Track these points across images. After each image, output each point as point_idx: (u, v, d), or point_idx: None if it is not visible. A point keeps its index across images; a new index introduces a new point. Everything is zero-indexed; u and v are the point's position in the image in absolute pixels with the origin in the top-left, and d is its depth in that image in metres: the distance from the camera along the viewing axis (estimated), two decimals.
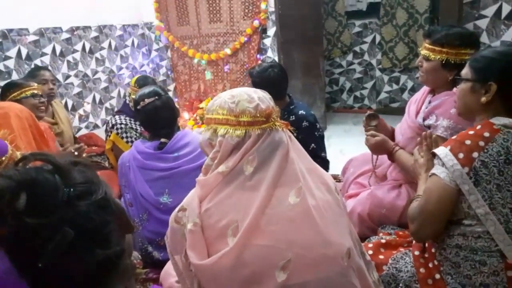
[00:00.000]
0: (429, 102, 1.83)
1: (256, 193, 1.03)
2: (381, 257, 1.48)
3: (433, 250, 1.35)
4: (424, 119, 1.79)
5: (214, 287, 1.04)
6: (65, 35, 3.59)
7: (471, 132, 1.24)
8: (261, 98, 1.10)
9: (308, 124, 2.28)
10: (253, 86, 2.28)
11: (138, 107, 1.98)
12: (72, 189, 0.61)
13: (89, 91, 3.89)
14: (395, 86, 4.88)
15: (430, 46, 1.73)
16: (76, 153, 2.04)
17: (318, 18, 4.39)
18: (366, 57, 4.95)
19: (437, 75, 1.75)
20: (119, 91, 4.24)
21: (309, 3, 4.14)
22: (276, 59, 3.97)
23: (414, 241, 1.44)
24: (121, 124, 2.65)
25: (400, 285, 1.36)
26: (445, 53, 1.69)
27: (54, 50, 3.49)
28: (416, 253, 1.40)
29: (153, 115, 1.96)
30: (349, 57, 5.03)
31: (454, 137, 1.27)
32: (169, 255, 1.15)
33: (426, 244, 1.40)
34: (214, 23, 4.25)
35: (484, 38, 3.09)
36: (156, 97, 1.97)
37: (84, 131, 3.72)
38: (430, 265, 1.34)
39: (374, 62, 4.92)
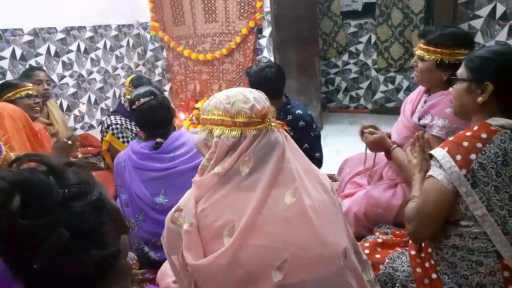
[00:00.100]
0: (425, 102, 1.84)
1: (252, 193, 1.03)
2: (378, 256, 1.48)
3: (429, 250, 1.35)
4: (419, 119, 1.80)
5: (210, 287, 1.04)
6: (60, 35, 3.57)
7: (468, 134, 1.23)
8: (256, 98, 1.10)
9: (305, 124, 2.29)
10: (250, 85, 2.28)
11: (134, 107, 1.97)
12: (66, 190, 0.61)
13: (84, 92, 3.87)
14: (390, 86, 4.90)
15: (425, 46, 1.74)
16: (69, 142, 2.02)
17: (314, 18, 4.40)
18: (361, 57, 4.97)
19: (432, 75, 1.76)
20: (114, 92, 4.23)
21: (304, 3, 4.14)
22: (272, 59, 3.98)
23: (410, 241, 1.44)
24: (116, 124, 2.64)
25: (397, 284, 1.37)
26: (439, 53, 1.70)
27: (48, 50, 3.47)
28: (413, 252, 1.40)
29: (148, 114, 1.95)
30: (345, 57, 5.04)
31: (451, 138, 1.26)
32: (166, 255, 1.15)
33: (423, 244, 1.40)
34: (209, 23, 4.25)
35: (478, 38, 3.11)
36: (152, 96, 1.97)
37: (79, 132, 3.70)
38: (427, 264, 1.34)
39: (369, 62, 4.94)
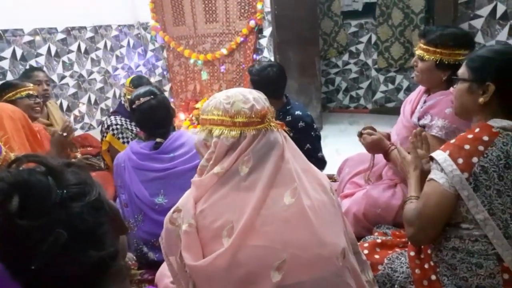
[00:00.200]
0: (424, 102, 1.84)
1: (251, 193, 1.03)
2: (377, 256, 1.47)
3: (429, 251, 1.35)
4: (419, 119, 1.80)
5: None
6: (60, 36, 3.58)
7: (469, 136, 1.21)
8: (256, 98, 1.09)
9: (305, 125, 2.29)
10: (252, 84, 2.29)
11: (134, 106, 1.97)
12: (65, 191, 0.61)
13: (85, 92, 3.87)
14: (390, 86, 4.90)
15: (425, 46, 1.74)
16: (64, 134, 2.00)
17: (314, 18, 4.40)
18: (362, 57, 4.97)
19: (432, 75, 1.76)
20: (114, 92, 4.23)
21: (305, 3, 4.14)
22: (272, 59, 3.98)
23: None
24: (116, 124, 2.64)
25: (396, 286, 1.36)
26: (439, 54, 1.70)
27: (49, 50, 3.47)
28: (412, 253, 1.39)
29: (148, 114, 1.95)
30: (345, 57, 5.04)
31: (452, 141, 1.24)
32: (164, 256, 1.15)
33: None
34: (210, 23, 4.25)
35: (479, 38, 3.10)
36: (152, 96, 1.97)
37: (79, 132, 3.70)
38: (426, 266, 1.33)
39: (370, 62, 4.94)
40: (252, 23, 3.96)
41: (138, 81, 2.68)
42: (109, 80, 4.16)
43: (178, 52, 4.45)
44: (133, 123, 2.64)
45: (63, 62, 3.61)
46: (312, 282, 1.00)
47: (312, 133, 2.33)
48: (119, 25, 4.25)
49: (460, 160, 1.17)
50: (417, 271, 1.34)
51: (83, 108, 3.85)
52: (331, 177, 2.73)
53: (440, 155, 1.22)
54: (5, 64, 3.09)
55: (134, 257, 1.99)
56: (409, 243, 1.43)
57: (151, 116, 1.95)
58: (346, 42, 4.96)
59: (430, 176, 1.25)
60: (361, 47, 4.94)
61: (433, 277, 1.30)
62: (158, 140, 1.96)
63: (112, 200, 0.84)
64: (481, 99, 1.24)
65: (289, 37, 4.01)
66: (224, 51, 4.19)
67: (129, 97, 2.25)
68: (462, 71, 1.31)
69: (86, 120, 3.90)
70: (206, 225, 1.03)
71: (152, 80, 4.53)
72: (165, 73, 4.72)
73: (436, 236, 1.28)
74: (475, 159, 1.16)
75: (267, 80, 2.23)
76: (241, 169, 1.05)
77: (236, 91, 1.12)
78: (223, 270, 0.98)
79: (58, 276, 0.59)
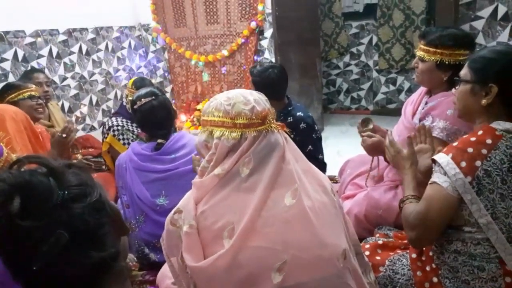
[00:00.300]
0: (426, 103, 1.84)
1: (252, 195, 1.03)
2: (378, 258, 1.47)
3: (430, 254, 1.34)
4: (420, 120, 1.79)
5: None
6: (61, 37, 3.59)
7: (472, 139, 1.19)
8: (257, 100, 1.10)
9: (306, 126, 2.28)
10: (253, 85, 2.29)
11: (135, 107, 1.98)
12: (66, 192, 0.61)
13: (86, 93, 3.88)
14: (392, 87, 4.89)
15: (425, 47, 1.74)
16: (64, 135, 2.00)
17: (315, 19, 4.40)
18: (363, 58, 4.97)
19: (432, 76, 1.76)
20: (116, 93, 4.24)
21: (306, 4, 4.15)
22: (273, 60, 3.98)
23: None
24: (117, 126, 2.64)
25: None
26: (439, 54, 1.70)
27: (50, 52, 3.48)
28: (413, 256, 1.39)
29: (149, 114, 1.95)
30: (346, 58, 5.05)
31: (455, 144, 1.23)
32: (165, 257, 1.15)
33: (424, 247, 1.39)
34: (211, 24, 4.26)
35: (480, 39, 3.10)
36: (153, 97, 1.97)
37: (80, 133, 3.71)
38: (428, 268, 1.32)
39: (371, 63, 4.94)
40: (253, 24, 3.97)
41: (140, 83, 2.69)
42: (111, 81, 4.17)
43: (179, 53, 4.45)
44: (134, 125, 2.65)
45: (65, 63, 3.62)
46: (313, 283, 0.99)
47: (313, 135, 2.33)
48: (120, 27, 4.26)
49: (463, 164, 1.16)
50: (418, 273, 1.33)
51: (84, 109, 3.86)
52: (332, 179, 2.73)
53: (442, 158, 1.20)
54: (7, 65, 3.10)
55: (135, 258, 1.99)
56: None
57: (152, 117, 1.96)
58: (347, 43, 4.96)
59: (433, 179, 1.23)
60: (362, 48, 4.94)
61: (435, 280, 1.29)
62: (159, 141, 1.96)
63: (113, 201, 0.84)
64: (484, 101, 1.22)
65: (290, 38, 4.01)
66: (225, 52, 4.19)
67: (130, 98, 2.25)
68: (464, 72, 1.30)
69: (88, 121, 3.91)
70: (207, 226, 1.03)
71: (154, 81, 4.54)
72: (166, 74, 4.73)
73: (437, 238, 1.27)
74: (478, 163, 1.15)
75: (269, 81, 2.23)
76: (242, 171, 1.05)
77: (237, 92, 1.12)
78: (224, 271, 0.98)
79: (59, 277, 0.60)
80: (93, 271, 0.62)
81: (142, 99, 1.96)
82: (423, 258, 1.36)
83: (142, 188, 1.91)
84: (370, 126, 1.99)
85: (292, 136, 1.18)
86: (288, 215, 1.02)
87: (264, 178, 1.04)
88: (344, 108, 5.23)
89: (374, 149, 1.89)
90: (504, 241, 1.14)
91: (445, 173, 1.18)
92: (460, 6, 3.10)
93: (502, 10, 3.01)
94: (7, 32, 3.10)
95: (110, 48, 4.13)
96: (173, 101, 4.51)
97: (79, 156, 2.55)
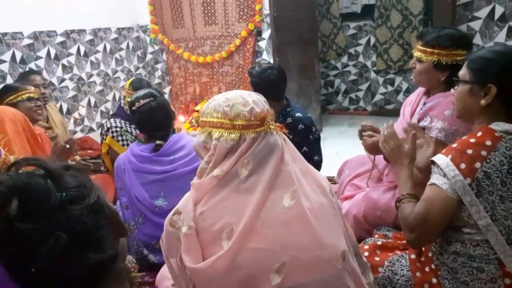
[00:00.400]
0: (424, 104, 1.84)
1: (250, 196, 1.03)
2: (377, 259, 1.47)
3: (429, 255, 1.34)
4: (418, 121, 1.80)
5: None
6: (59, 39, 3.58)
7: (472, 140, 1.19)
8: (255, 101, 1.09)
9: (304, 127, 2.28)
10: (252, 86, 2.29)
11: (133, 108, 1.98)
12: (64, 194, 0.61)
13: (84, 95, 3.88)
14: (390, 88, 4.90)
15: (422, 48, 1.74)
16: (67, 146, 2.01)
17: (313, 20, 4.41)
18: (361, 59, 4.97)
19: (430, 76, 1.76)
20: (114, 94, 4.24)
21: (304, 5, 4.15)
22: (271, 61, 3.98)
23: None
24: (116, 127, 2.64)
25: None
26: (436, 54, 1.71)
27: (48, 53, 3.48)
28: (413, 256, 1.38)
29: (148, 116, 1.95)
30: (344, 59, 5.05)
31: (454, 145, 1.22)
32: (164, 258, 1.15)
33: (423, 248, 1.38)
34: (209, 25, 4.26)
35: (477, 40, 3.11)
36: (152, 98, 1.97)
37: (79, 135, 3.71)
38: (427, 269, 1.32)
39: (369, 64, 4.94)
40: (251, 25, 3.97)
41: (138, 84, 2.68)
42: (109, 82, 4.16)
43: (177, 54, 4.45)
44: (132, 126, 2.64)
45: (63, 65, 3.62)
46: (312, 284, 0.99)
47: (311, 136, 2.33)
48: (118, 28, 4.26)
49: (463, 165, 1.15)
50: (417, 274, 1.33)
51: (83, 110, 3.86)
52: (331, 179, 2.73)
53: (442, 159, 1.20)
54: (5, 67, 3.10)
55: (135, 260, 1.98)
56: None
57: (151, 118, 1.96)
58: (345, 44, 4.97)
59: (432, 180, 1.22)
60: (360, 49, 4.95)
61: (434, 281, 1.29)
62: (158, 142, 1.96)
63: (112, 203, 0.84)
64: (482, 101, 1.22)
65: (288, 39, 4.01)
66: (223, 53, 4.19)
67: (129, 99, 2.25)
68: (463, 72, 1.29)
69: (86, 122, 3.91)
70: (206, 227, 1.03)
71: (152, 82, 4.54)
72: (164, 75, 4.72)
73: (436, 239, 1.27)
74: (478, 164, 1.14)
75: (267, 82, 2.23)
76: (241, 172, 1.05)
77: (235, 93, 1.12)
78: (223, 272, 0.98)
79: (57, 279, 0.60)
80: (91, 273, 0.62)
81: (141, 100, 1.96)
82: (422, 259, 1.36)
83: (141, 189, 1.91)
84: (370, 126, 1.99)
85: (290, 137, 1.18)
86: (287, 216, 1.02)
87: (263, 179, 1.04)
88: (343, 108, 5.24)
89: (374, 148, 1.89)
90: (504, 243, 1.14)
91: (444, 175, 1.18)
92: (457, 7, 3.11)
93: (499, 10, 3.03)
94: (5, 34, 3.10)
95: (108, 50, 4.13)
96: (171, 102, 4.51)
97: (78, 158, 2.54)
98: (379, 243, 1.55)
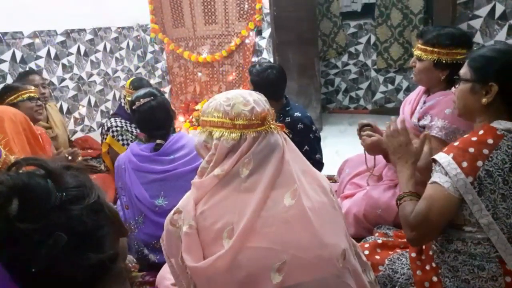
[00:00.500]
0: (424, 102, 1.84)
1: (251, 195, 1.03)
2: (377, 257, 1.47)
3: (430, 253, 1.34)
4: (419, 120, 1.80)
5: None
6: (59, 38, 3.58)
7: (473, 139, 1.19)
8: (256, 101, 1.09)
9: (303, 126, 2.28)
10: (252, 84, 2.29)
11: (134, 107, 1.98)
12: (64, 194, 0.61)
13: (84, 94, 3.88)
14: (390, 87, 4.90)
15: (422, 47, 1.74)
16: (70, 157, 2.02)
17: (313, 19, 4.41)
18: (361, 57, 4.97)
19: (430, 75, 1.76)
20: (114, 94, 4.23)
21: (304, 4, 4.15)
22: (272, 60, 3.98)
23: None
24: (116, 126, 2.64)
25: (396, 287, 1.36)
26: (436, 53, 1.71)
27: (49, 53, 3.48)
28: (413, 255, 1.38)
29: (148, 115, 1.95)
30: (344, 57, 5.05)
31: (455, 143, 1.22)
32: (165, 257, 1.15)
33: (423, 246, 1.38)
34: (209, 25, 4.26)
35: (478, 38, 3.11)
36: (152, 97, 1.97)
37: (79, 134, 3.71)
38: (427, 267, 1.32)
39: (369, 62, 4.94)
40: (251, 24, 3.97)
41: (138, 83, 2.69)
42: (109, 82, 4.16)
43: (177, 54, 4.45)
44: (133, 125, 2.64)
45: (63, 64, 3.62)
46: (313, 283, 0.99)
47: (311, 135, 2.32)
48: (118, 27, 4.25)
49: (465, 164, 1.15)
50: (418, 272, 1.33)
51: (83, 110, 3.86)
52: (331, 178, 2.73)
53: (443, 158, 1.20)
54: (5, 67, 3.09)
55: (135, 259, 1.99)
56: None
57: (151, 117, 1.96)
58: (345, 43, 4.96)
59: (434, 179, 1.22)
60: (360, 47, 4.94)
61: (435, 279, 1.29)
62: (158, 141, 1.96)
63: (112, 202, 0.84)
64: (484, 100, 1.22)
65: (288, 38, 4.01)
66: (223, 52, 4.19)
67: (129, 99, 2.25)
68: (464, 71, 1.29)
69: (86, 122, 3.91)
70: (207, 226, 1.03)
71: (152, 82, 4.54)
72: (164, 75, 4.72)
73: (437, 237, 1.27)
74: (479, 163, 1.14)
75: (267, 82, 2.23)
76: (242, 171, 1.05)
77: (236, 93, 1.12)
78: (224, 271, 0.98)
79: (57, 279, 0.59)
80: (92, 273, 0.62)
81: (141, 100, 1.96)
82: (423, 257, 1.36)
83: (141, 189, 1.91)
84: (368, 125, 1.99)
85: (290, 136, 1.18)
86: (288, 215, 1.02)
87: (264, 178, 1.04)
88: (343, 107, 5.24)
89: (374, 148, 1.89)
90: (505, 242, 1.14)
91: (446, 173, 1.18)
92: (457, 5, 3.10)
93: (499, 9, 3.02)
94: (5, 33, 3.09)
95: (108, 49, 4.12)
96: (172, 101, 4.51)
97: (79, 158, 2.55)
98: (380, 241, 1.56)
